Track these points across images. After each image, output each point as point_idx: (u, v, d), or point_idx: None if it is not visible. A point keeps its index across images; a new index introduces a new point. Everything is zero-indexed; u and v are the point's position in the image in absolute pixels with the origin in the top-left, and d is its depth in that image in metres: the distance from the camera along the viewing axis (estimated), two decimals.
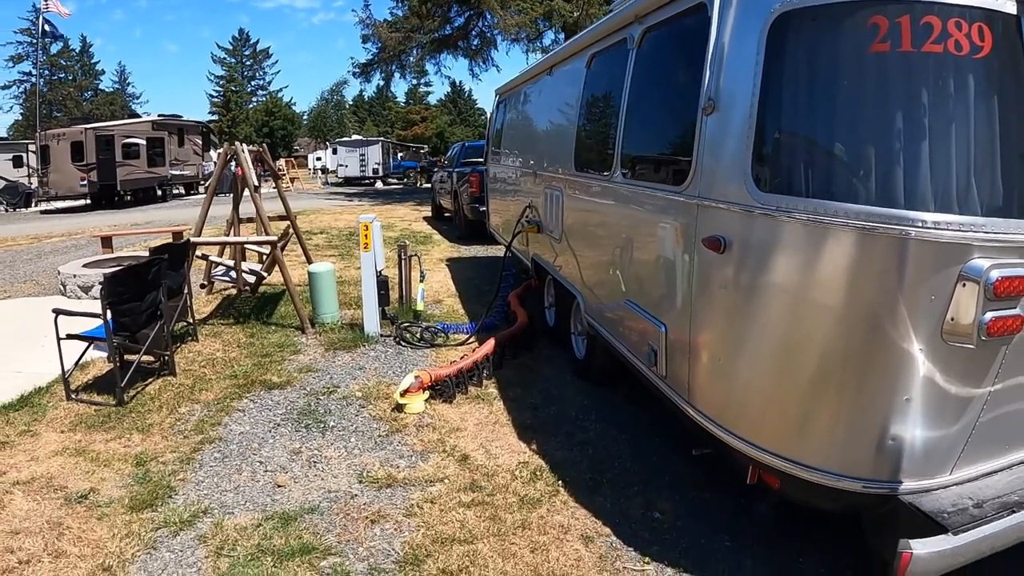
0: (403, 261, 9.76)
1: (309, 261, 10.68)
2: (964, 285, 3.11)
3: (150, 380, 7.30)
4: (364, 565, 4.30)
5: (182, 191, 41.22)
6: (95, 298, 9.70)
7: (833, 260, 3.40)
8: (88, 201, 33.06)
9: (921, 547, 3.17)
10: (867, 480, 3.47)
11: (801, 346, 3.62)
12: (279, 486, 5.22)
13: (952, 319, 3.16)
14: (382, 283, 8.86)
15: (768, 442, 3.82)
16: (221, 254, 10.53)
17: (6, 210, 33.62)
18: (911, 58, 3.28)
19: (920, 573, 3.20)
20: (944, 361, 3.26)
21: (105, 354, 7.16)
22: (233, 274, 10.04)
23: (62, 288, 11.39)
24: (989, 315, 3.11)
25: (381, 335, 8.89)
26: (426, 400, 6.64)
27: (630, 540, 4.53)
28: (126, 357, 6.90)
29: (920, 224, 3.11)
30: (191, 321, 8.70)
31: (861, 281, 3.34)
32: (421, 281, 9.96)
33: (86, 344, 7.00)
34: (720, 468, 5.03)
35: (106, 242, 13.90)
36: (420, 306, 9.76)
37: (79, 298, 10.97)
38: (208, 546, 4.48)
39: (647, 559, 4.34)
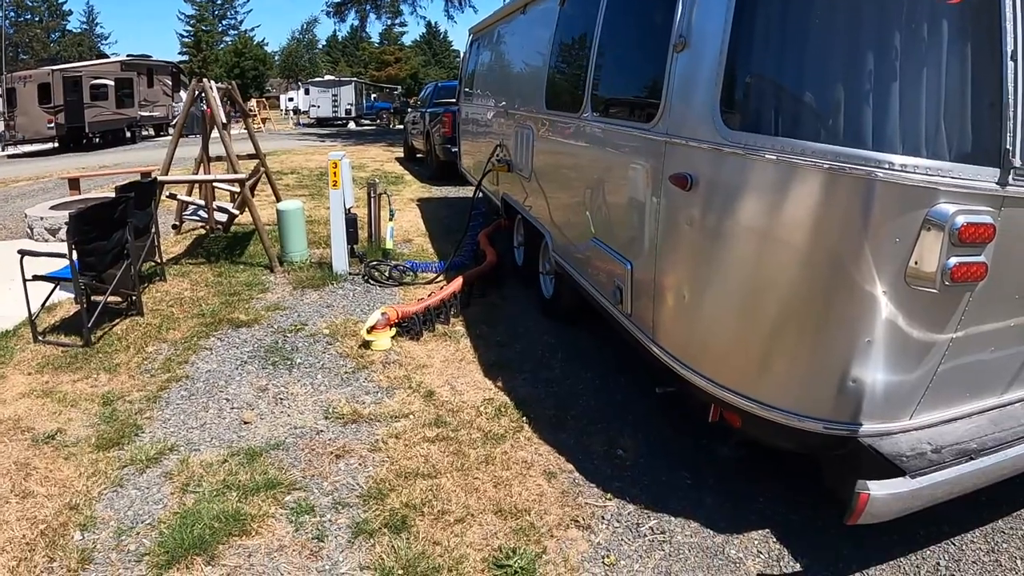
0: (372, 200, 9.72)
1: (279, 200, 10.61)
2: (929, 229, 3.11)
3: (117, 320, 7.27)
4: (329, 499, 4.35)
5: (152, 133, 40.66)
6: (62, 240, 9.62)
7: (799, 199, 3.40)
8: (56, 144, 32.54)
9: (878, 488, 3.19)
10: (827, 421, 3.52)
11: (765, 285, 3.64)
12: (245, 423, 5.24)
13: (916, 263, 3.18)
14: (351, 221, 8.83)
15: (730, 381, 3.86)
16: (190, 193, 10.44)
17: None
18: None
19: (877, 514, 3.24)
20: (907, 305, 3.29)
21: (71, 295, 7.14)
22: (203, 213, 9.98)
23: (29, 231, 11.30)
24: (953, 260, 3.12)
25: (350, 273, 8.89)
26: (393, 337, 6.67)
27: (592, 476, 4.59)
28: (93, 298, 6.86)
29: (887, 166, 3.10)
30: (159, 261, 8.64)
31: (827, 221, 3.35)
32: (391, 220, 9.93)
33: (52, 285, 6.94)
34: (683, 407, 5.08)
35: (74, 184, 13.75)
36: (389, 244, 9.74)
37: (46, 240, 10.89)
38: (174, 483, 4.51)
39: (609, 495, 4.41)
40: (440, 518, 4.16)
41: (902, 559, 3.78)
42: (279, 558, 3.86)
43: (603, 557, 3.90)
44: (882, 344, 3.35)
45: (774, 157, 3.41)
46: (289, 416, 5.35)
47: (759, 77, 3.75)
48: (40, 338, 6.81)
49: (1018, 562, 3.71)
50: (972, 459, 3.38)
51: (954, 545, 3.86)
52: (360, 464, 4.71)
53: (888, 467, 3.31)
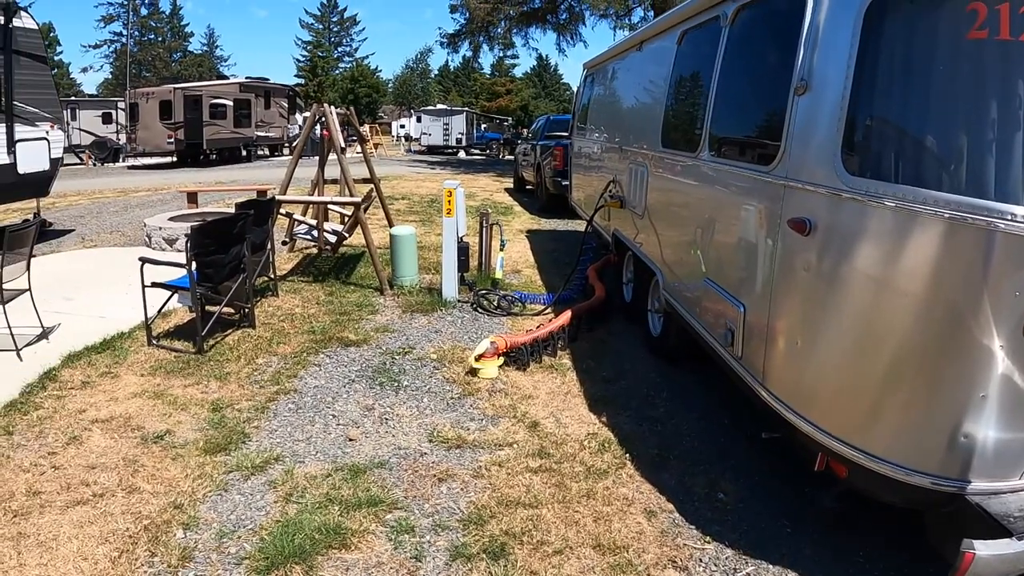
0: (484, 229, 9.78)
1: (391, 224, 10.77)
2: None
3: (229, 331, 7.45)
4: (429, 521, 4.35)
5: (266, 152, 41.71)
6: (179, 250, 9.92)
7: (919, 248, 3.31)
8: (174, 159, 33.70)
9: (984, 548, 3.07)
10: (936, 476, 3.39)
11: (880, 334, 3.53)
12: (350, 440, 5.30)
13: None
14: (463, 249, 8.89)
15: (839, 430, 3.74)
16: (304, 213, 10.68)
17: (95, 164, 34.43)
18: (1009, 47, 3.17)
19: (980, 573, 3.14)
20: (1023, 360, 3.20)
21: (187, 304, 7.34)
22: (315, 233, 10.18)
23: (147, 240, 11.66)
24: None
25: (459, 301, 8.93)
26: (500, 366, 6.68)
27: (692, 518, 4.51)
28: (207, 308, 7.05)
29: (1009, 217, 3.00)
30: (272, 276, 8.84)
31: (945, 271, 3.25)
32: (501, 250, 9.99)
33: (169, 293, 7.15)
34: (787, 455, 4.99)
35: (191, 198, 14.17)
36: (499, 274, 9.78)
37: (163, 250, 11.22)
38: (278, 491, 4.58)
39: (708, 538, 4.31)
40: (538, 548, 4.12)
41: None
42: (376, 574, 3.87)
43: None
44: (996, 400, 3.22)
45: (894, 204, 3.33)
46: (394, 436, 5.38)
47: (881, 123, 3.67)
48: (154, 342, 7.02)
49: None
50: None
51: None
52: (462, 489, 4.71)
53: (995, 527, 3.16)
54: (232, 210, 8.04)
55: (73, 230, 13.56)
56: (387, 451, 5.17)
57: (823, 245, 3.79)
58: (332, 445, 5.23)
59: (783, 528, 4.40)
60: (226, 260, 7.03)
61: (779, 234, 4.15)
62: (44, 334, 6.94)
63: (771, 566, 4.07)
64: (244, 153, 38.15)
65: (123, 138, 35.69)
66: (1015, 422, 3.28)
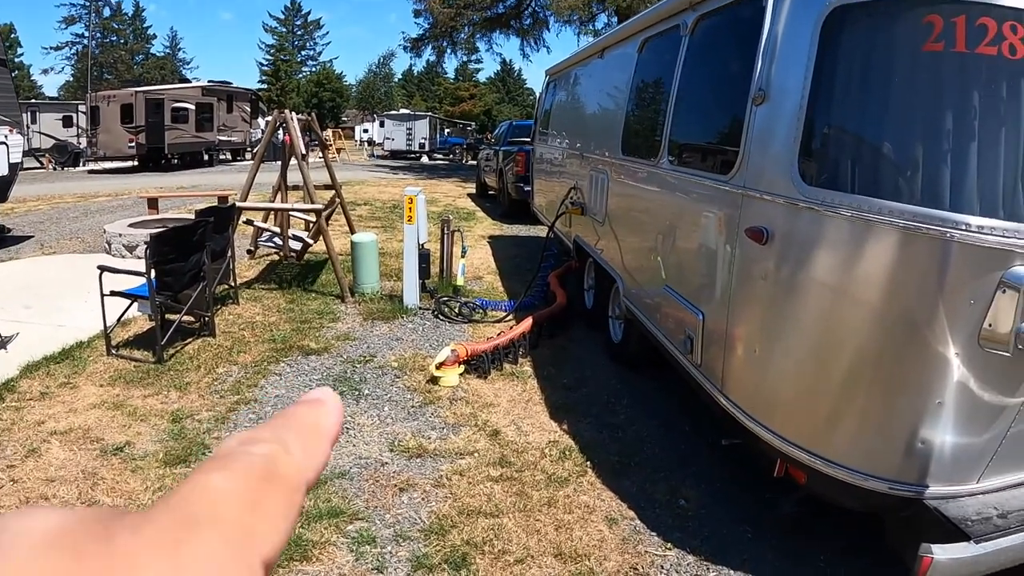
0: (445, 235, 9.77)
1: (352, 231, 10.74)
2: (1004, 291, 3.05)
3: (189, 340, 7.40)
4: (390, 531, 4.36)
5: (229, 157, 41.41)
6: (139, 257, 9.82)
7: (875, 258, 3.38)
8: (135, 163, 33.32)
9: (942, 553, 3.13)
10: (893, 481, 3.45)
11: (837, 342, 3.60)
12: None
13: (990, 325, 3.11)
14: (424, 256, 8.89)
15: (798, 436, 3.80)
16: (266, 220, 10.63)
17: (55, 168, 34.00)
18: (964, 59, 3.24)
19: None
20: (979, 367, 3.22)
21: (146, 313, 7.28)
22: (278, 240, 10.14)
23: (107, 247, 11.55)
24: None
25: (420, 308, 8.93)
26: (461, 374, 6.69)
27: (654, 525, 4.55)
28: (167, 316, 6.99)
29: (964, 227, 3.06)
30: (233, 284, 8.78)
31: (901, 280, 3.32)
32: (463, 256, 9.99)
33: (129, 301, 7.08)
34: (747, 461, 5.03)
35: (152, 203, 14.05)
36: (460, 281, 9.79)
37: (123, 257, 11.11)
38: None
39: (669, 545, 4.36)
40: (500, 557, 4.14)
41: None
42: None
43: None
44: (952, 406, 3.28)
45: (850, 214, 3.39)
46: (354, 446, 5.38)
47: (837, 133, 3.75)
48: (113, 352, 6.95)
49: None
50: None
51: None
52: (423, 499, 4.72)
53: (953, 531, 3.22)
54: (193, 216, 7.98)
55: (32, 236, 13.42)
56: (348, 461, 5.16)
57: (780, 254, 3.84)
58: None
59: (744, 534, 4.46)
60: (186, 268, 6.98)
61: (737, 243, 4.20)
62: (2, 343, 6.86)
63: (733, 572, 4.13)
64: (206, 158, 37.82)
65: (84, 142, 35.28)
66: (971, 427, 3.34)
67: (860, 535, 4.29)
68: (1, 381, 6.18)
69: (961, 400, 3.28)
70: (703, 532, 4.48)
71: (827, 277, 3.62)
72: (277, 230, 10.12)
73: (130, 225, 12.01)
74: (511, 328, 7.54)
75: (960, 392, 3.27)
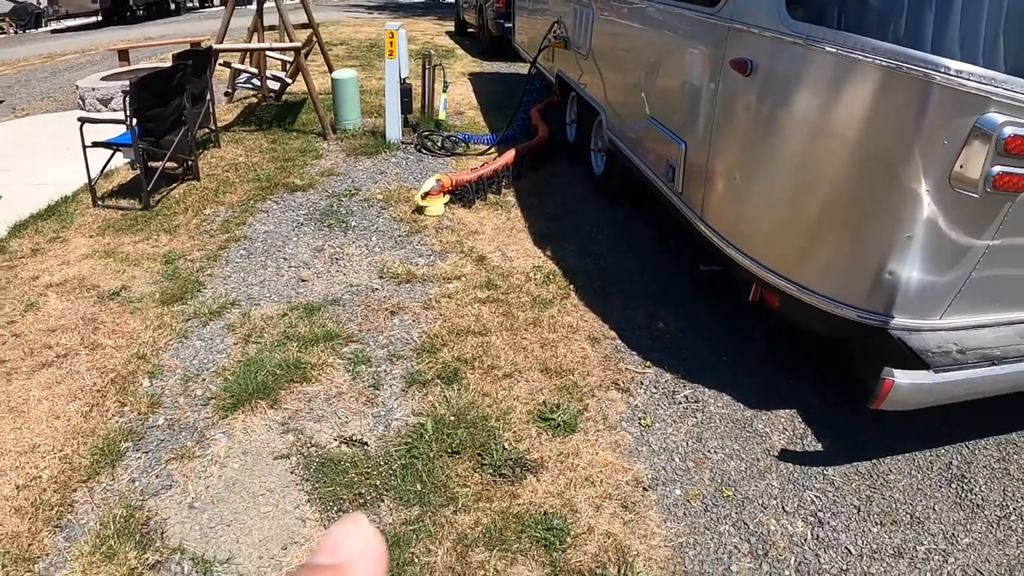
0: (426, 71, 9.66)
1: (331, 70, 10.60)
2: (977, 136, 3.12)
3: (174, 185, 7.42)
4: (384, 352, 4.55)
5: (196, 4, 40.33)
6: (114, 110, 9.74)
7: (855, 94, 3.45)
8: (99, 18, 32.38)
9: (903, 377, 3.30)
10: (862, 310, 3.61)
11: (815, 173, 3.71)
12: (303, 280, 5.43)
13: (961, 167, 3.20)
14: (405, 91, 8.82)
15: (773, 262, 3.96)
16: (243, 62, 10.48)
17: (16, 32, 33.03)
18: None
19: (899, 401, 3.35)
20: (948, 207, 3.32)
21: (129, 161, 7.29)
22: (256, 81, 10.02)
23: (81, 102, 11.39)
24: (997, 168, 3.13)
25: (402, 143, 8.92)
26: (446, 204, 6.79)
27: (634, 345, 4.75)
28: (150, 164, 6.99)
29: (944, 70, 3.10)
30: (213, 128, 8.73)
31: (879, 117, 3.39)
32: (444, 91, 9.91)
33: (111, 152, 7.05)
34: (725, 291, 5.16)
35: (123, 55, 13.71)
36: (442, 116, 9.74)
37: (98, 111, 10.97)
38: (236, 334, 4.73)
39: (648, 363, 4.57)
40: (489, 372, 4.35)
41: (917, 453, 3.90)
42: (337, 403, 4.08)
43: (640, 419, 4.08)
44: (920, 241, 3.40)
45: (834, 50, 3.43)
46: (345, 275, 5.52)
47: None
48: (100, 203, 6.97)
49: None
50: (995, 364, 3.45)
51: (968, 448, 3.96)
52: (414, 320, 4.89)
53: (914, 360, 3.40)
54: (166, 64, 7.87)
55: (2, 101, 13.23)
56: (339, 289, 5.31)
57: (763, 86, 3.91)
58: (285, 287, 5.36)
59: (720, 357, 4.65)
60: (166, 113, 6.94)
61: (721, 74, 4.23)
62: None
63: (707, 390, 4.35)
64: (173, 7, 36.77)
65: (43, 1, 34.22)
66: (937, 265, 3.47)
67: (833, 369, 4.45)
68: None
69: (929, 237, 3.40)
70: (681, 354, 4.67)
71: (808, 111, 3.70)
72: (255, 71, 10.00)
73: (103, 79, 11.80)
74: (494, 160, 7.57)
75: (929, 229, 3.38)
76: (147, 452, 3.76)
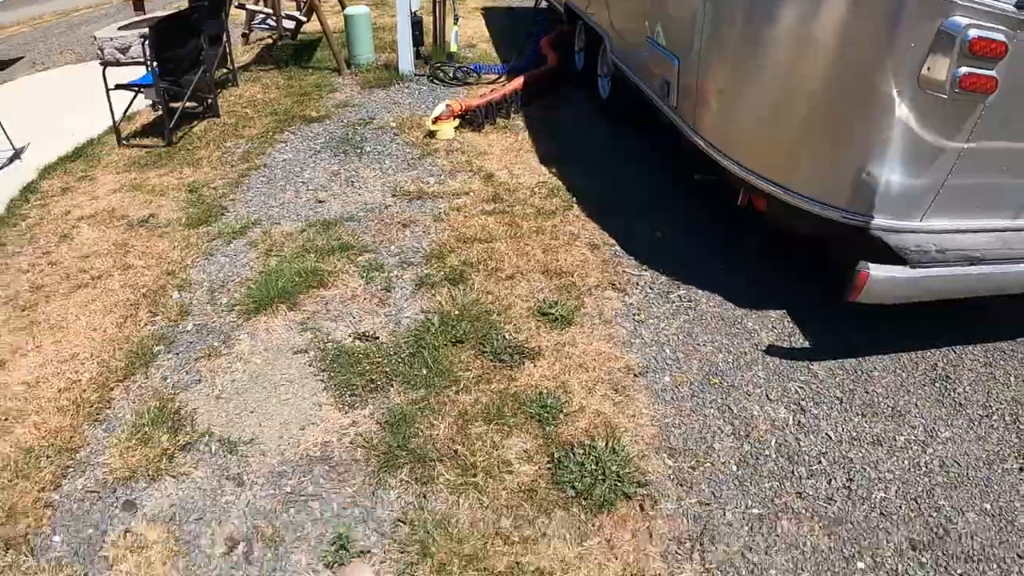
0: (437, 5, 9.82)
1: (344, 7, 10.72)
2: (942, 38, 3.32)
3: (195, 122, 7.66)
4: (395, 259, 4.88)
5: None
6: (132, 58, 9.94)
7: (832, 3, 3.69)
8: None
9: (878, 270, 3.53)
10: (844, 211, 3.85)
11: (796, 81, 3.96)
12: (320, 201, 5.73)
13: (928, 69, 3.40)
14: (417, 23, 8.99)
15: (760, 168, 4.22)
16: (257, 3, 10.64)
17: None
18: None
19: (875, 294, 3.59)
20: (920, 109, 3.52)
21: (151, 103, 7.54)
22: (272, 22, 10.17)
23: (100, 53, 11.48)
24: (963, 70, 3.33)
25: (415, 75, 9.11)
26: (456, 128, 7.04)
27: (631, 251, 5.05)
28: (171, 105, 7.22)
29: None
30: (231, 67, 8.94)
31: (853, 24, 3.61)
32: (455, 24, 10.06)
33: (132, 94, 7.31)
34: (719, 206, 5.40)
35: (138, 4, 13.75)
36: (454, 48, 9.86)
37: (117, 60, 11.16)
38: (258, 249, 5.04)
39: (645, 267, 4.87)
40: (493, 274, 4.67)
41: (903, 354, 4.13)
42: (352, 304, 4.42)
43: (634, 315, 4.39)
44: (896, 144, 3.62)
45: None
46: (359, 195, 5.81)
47: None
48: (124, 142, 7.22)
49: (1012, 379, 4.00)
50: (973, 264, 3.66)
51: (955, 352, 4.17)
52: (424, 232, 5.20)
53: (892, 257, 3.63)
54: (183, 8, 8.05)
55: (22, 57, 13.39)
56: (354, 207, 5.61)
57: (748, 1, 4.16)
58: (304, 207, 5.66)
59: (714, 264, 4.93)
60: (184, 54, 7.18)
61: None
62: (16, 155, 7.06)
63: (700, 291, 4.64)
64: None
65: None
66: (914, 168, 3.69)
67: (823, 278, 4.65)
68: (23, 185, 6.46)
69: (904, 139, 3.62)
70: (676, 260, 4.96)
71: (788, 21, 3.92)
72: (270, 11, 10.16)
73: (120, 28, 11.92)
74: (503, 85, 7.78)
75: (903, 131, 3.60)
76: (177, 353, 4.10)
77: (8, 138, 6.99)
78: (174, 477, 3.32)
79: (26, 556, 2.96)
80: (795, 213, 4.09)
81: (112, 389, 3.86)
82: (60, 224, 5.65)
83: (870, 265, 3.53)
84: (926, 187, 3.73)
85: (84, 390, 3.83)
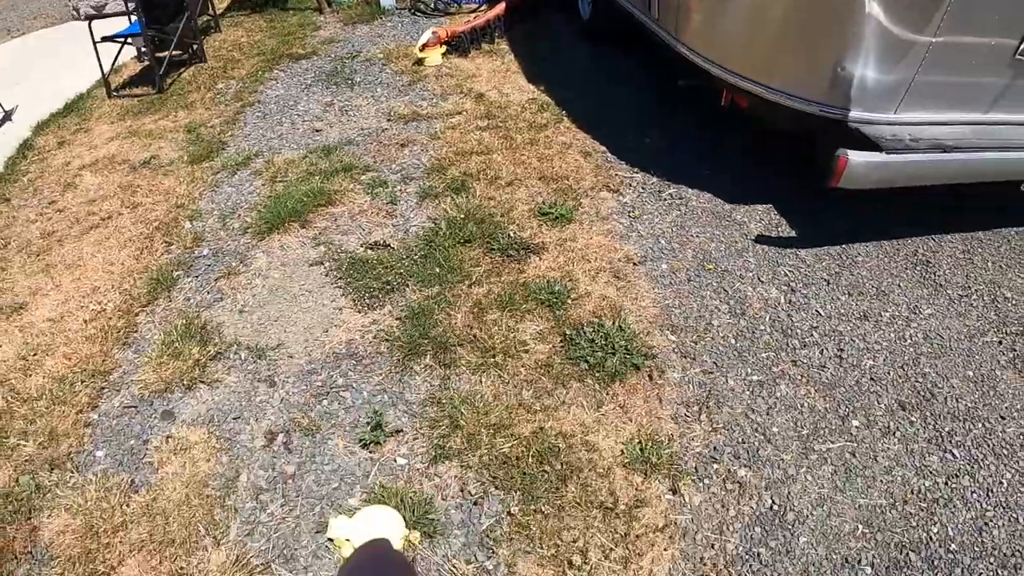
0: None
1: None
2: None
3: (183, 69, 7.76)
4: (398, 176, 5.07)
5: None
6: (107, 14, 9.94)
7: None
8: None
9: (856, 156, 3.73)
10: (822, 104, 4.02)
11: None
12: (317, 131, 5.88)
13: None
14: None
15: (741, 68, 4.41)
16: None
17: None
18: None
19: (854, 179, 3.79)
20: (889, 3, 3.65)
21: (137, 54, 7.64)
22: None
23: (75, 14, 11.44)
24: None
25: (397, 8, 9.18)
26: (443, 54, 7.17)
27: (623, 157, 5.26)
28: (158, 54, 7.30)
29: None
30: (212, 14, 9.02)
31: None
32: None
33: (118, 47, 7.39)
34: (702, 109, 5.59)
35: None
36: None
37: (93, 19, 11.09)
38: (263, 177, 5.22)
39: (636, 170, 5.09)
40: (493, 182, 4.87)
41: (885, 242, 4.36)
42: (360, 218, 4.62)
43: (629, 212, 4.62)
44: (868, 38, 3.76)
45: None
46: (356, 122, 5.97)
47: None
48: (115, 94, 7.30)
49: (989, 264, 4.21)
50: (945, 152, 3.85)
51: (934, 240, 4.38)
52: (422, 149, 5.38)
53: (868, 145, 3.81)
54: None
55: None
56: (352, 132, 5.78)
57: None
58: (302, 137, 5.83)
59: (702, 167, 5.12)
60: (168, 1, 7.28)
61: None
62: (7, 116, 7.12)
63: (690, 189, 4.87)
64: None
65: None
66: (886, 64, 3.83)
67: (807, 176, 4.77)
68: (19, 143, 6.54)
69: (875, 33, 3.75)
70: (666, 163, 5.16)
71: None
72: None
73: None
74: (486, 12, 7.88)
75: (873, 26, 3.73)
76: (197, 276, 4.29)
77: None
78: (208, 384, 3.53)
79: (72, 473, 3.16)
80: (776, 109, 4.27)
81: (137, 315, 4.04)
82: (62, 175, 5.77)
83: (848, 152, 3.73)
84: (898, 81, 3.87)
85: (110, 318, 4.02)
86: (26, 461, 3.22)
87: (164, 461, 3.18)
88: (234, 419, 3.35)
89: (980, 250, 4.31)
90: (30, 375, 3.67)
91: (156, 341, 3.81)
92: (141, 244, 4.64)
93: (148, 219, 4.91)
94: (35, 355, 3.81)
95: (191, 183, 5.28)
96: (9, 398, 3.54)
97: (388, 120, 5.92)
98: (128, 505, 3.00)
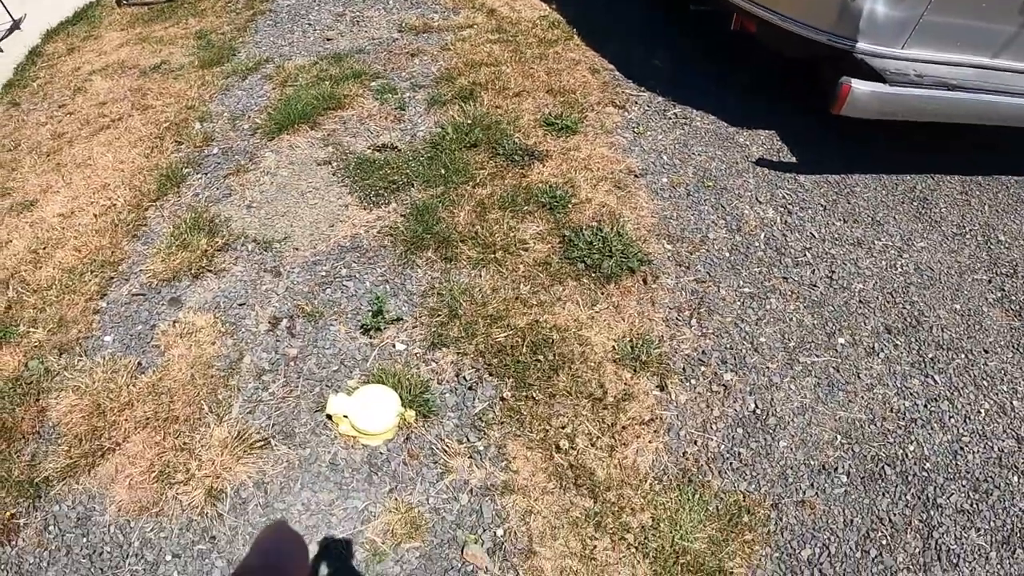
0: None
1: None
2: None
3: None
4: (407, 83, 5.11)
5: None
6: None
7: None
8: None
9: (859, 84, 3.79)
10: (831, 34, 4.06)
11: None
12: (328, 40, 5.88)
13: None
14: None
15: None
16: None
17: None
18: None
19: (857, 107, 3.85)
20: None
21: None
22: None
23: None
24: None
25: None
26: None
27: (630, 75, 5.31)
28: None
29: None
30: None
31: None
32: None
33: None
34: (710, 36, 5.67)
35: None
36: None
37: None
38: (273, 81, 5.25)
39: (643, 88, 5.14)
40: (501, 92, 4.92)
41: (884, 176, 4.45)
42: (369, 122, 4.68)
43: (633, 128, 4.69)
44: None
45: None
46: (367, 31, 5.98)
47: None
48: (125, 2, 7.25)
49: (985, 207, 4.32)
50: (948, 90, 3.91)
51: (933, 179, 4.48)
52: (432, 60, 5.42)
53: (874, 77, 3.86)
54: None
55: None
56: (363, 42, 5.79)
57: None
58: (313, 44, 5.84)
59: (708, 89, 5.18)
60: None
61: None
62: (15, 25, 6.98)
63: (695, 110, 4.94)
64: None
65: None
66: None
67: (813, 110, 4.82)
68: (28, 50, 6.56)
69: None
70: (673, 83, 5.22)
71: None
72: None
73: None
74: None
75: None
76: (206, 173, 4.37)
77: (6, 8, 6.91)
78: (215, 273, 3.63)
79: (80, 357, 3.28)
80: (784, 36, 4.32)
81: (147, 209, 4.13)
82: (71, 80, 5.79)
83: (852, 80, 3.79)
84: (907, 17, 3.93)
85: (120, 212, 4.10)
86: (36, 347, 3.33)
87: (170, 344, 3.29)
88: (239, 305, 3.46)
89: (978, 193, 4.42)
90: (40, 267, 3.77)
91: (165, 233, 3.90)
92: (151, 143, 4.70)
93: (159, 120, 4.96)
94: (45, 248, 3.90)
95: (202, 87, 5.31)
96: (20, 289, 3.64)
97: (399, 31, 5.93)
98: (134, 385, 3.12)
